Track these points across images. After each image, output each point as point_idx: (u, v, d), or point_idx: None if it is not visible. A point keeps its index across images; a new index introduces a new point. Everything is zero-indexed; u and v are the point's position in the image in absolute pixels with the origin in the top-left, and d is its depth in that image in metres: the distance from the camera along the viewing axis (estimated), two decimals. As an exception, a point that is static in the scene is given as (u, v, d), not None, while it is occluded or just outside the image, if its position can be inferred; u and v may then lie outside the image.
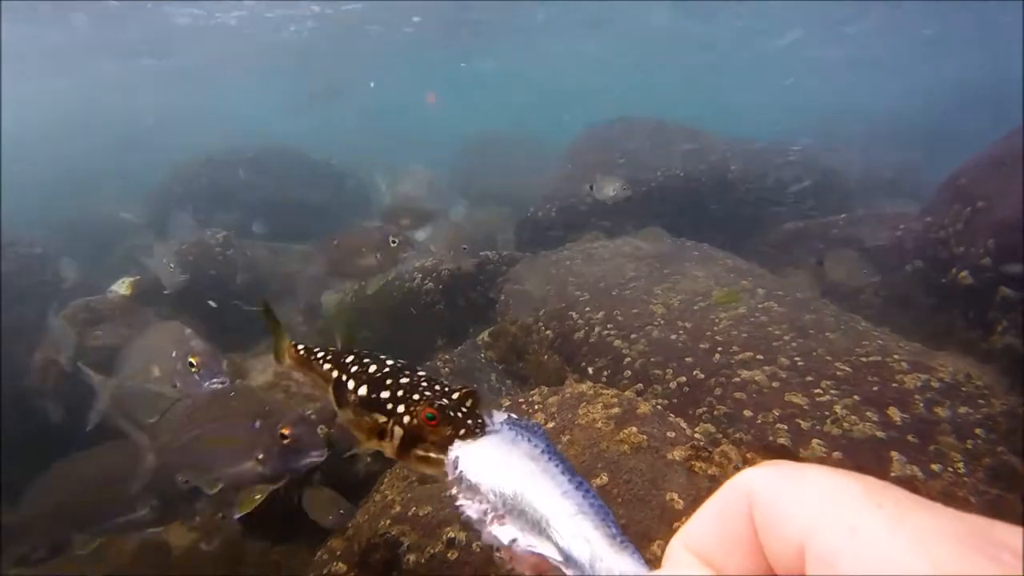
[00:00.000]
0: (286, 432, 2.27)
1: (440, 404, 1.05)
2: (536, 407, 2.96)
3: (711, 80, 32.75)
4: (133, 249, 7.39)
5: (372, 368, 1.31)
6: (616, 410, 2.75)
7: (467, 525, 0.56)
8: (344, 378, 1.35)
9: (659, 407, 3.01)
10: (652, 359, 3.91)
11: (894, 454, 2.91)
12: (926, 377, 3.31)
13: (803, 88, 29.89)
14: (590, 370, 4.15)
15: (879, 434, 3.00)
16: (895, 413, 3.10)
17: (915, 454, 2.91)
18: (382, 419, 1.18)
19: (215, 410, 2.59)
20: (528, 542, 0.52)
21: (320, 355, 1.52)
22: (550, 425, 2.77)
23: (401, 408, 1.16)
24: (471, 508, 0.56)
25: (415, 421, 1.11)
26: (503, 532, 0.54)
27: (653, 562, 0.47)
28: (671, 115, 9.92)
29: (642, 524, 2.22)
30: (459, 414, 1.02)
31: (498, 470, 0.55)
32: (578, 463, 2.52)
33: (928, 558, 0.34)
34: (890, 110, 16.65)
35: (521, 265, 5.98)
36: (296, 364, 1.63)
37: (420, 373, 1.25)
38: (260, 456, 2.30)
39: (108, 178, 15.45)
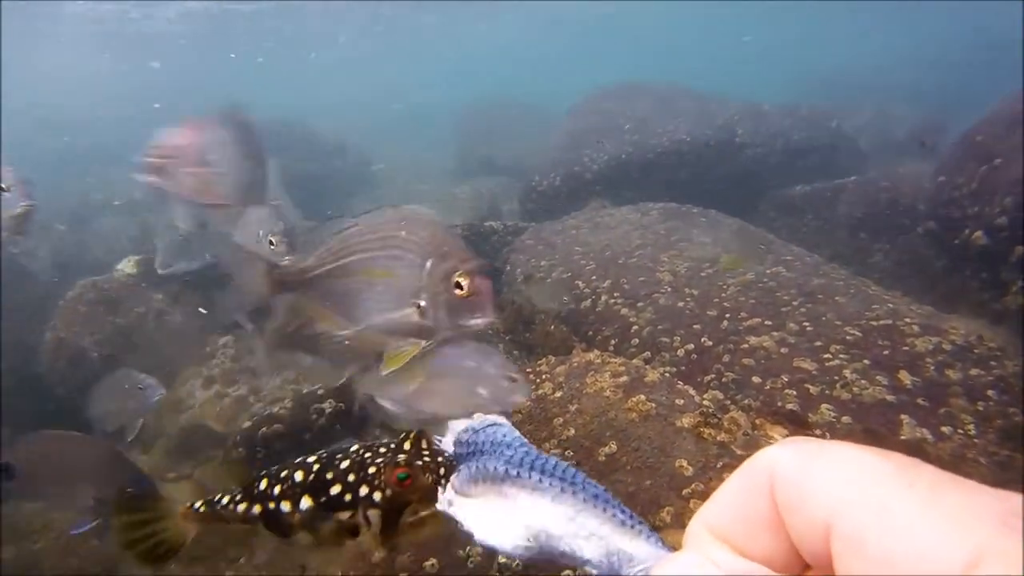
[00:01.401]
0: (462, 282, 1.66)
1: (399, 460, 0.95)
2: (544, 376, 2.96)
3: (712, 39, 32.08)
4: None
5: (297, 475, 1.12)
6: (624, 378, 2.74)
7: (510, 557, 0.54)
8: (273, 506, 1.14)
9: (667, 375, 3.00)
10: (659, 327, 3.89)
11: (904, 417, 2.89)
12: (937, 340, 3.27)
13: (811, 46, 29.19)
14: (597, 339, 4.14)
15: (889, 398, 2.98)
16: (905, 376, 3.08)
17: (925, 417, 2.89)
18: (346, 515, 1.04)
19: (376, 233, 1.80)
20: (549, 549, 0.50)
21: (225, 501, 1.24)
22: (557, 395, 2.77)
23: (364, 490, 1.02)
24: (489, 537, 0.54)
25: (388, 492, 0.98)
26: (527, 551, 0.52)
27: (662, 528, 0.45)
28: (676, 78, 9.69)
29: (651, 491, 2.23)
30: (423, 459, 0.92)
31: (485, 504, 0.53)
32: (587, 432, 2.52)
33: (965, 540, 0.32)
34: (902, 68, 16.23)
35: (527, 235, 5.94)
36: (201, 524, 1.29)
37: (351, 448, 1.08)
38: (422, 303, 1.71)
39: (103, 161, 15.40)
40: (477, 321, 1.70)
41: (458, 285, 1.65)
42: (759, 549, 0.43)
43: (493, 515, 0.52)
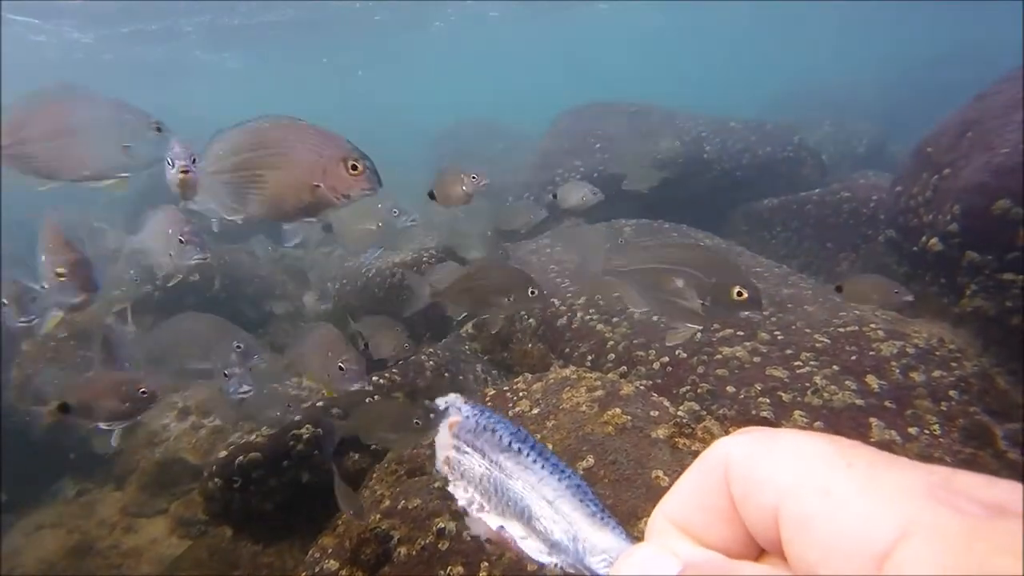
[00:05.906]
0: (356, 164, 1.97)
1: None
2: (521, 394, 2.98)
3: (673, 57, 32.93)
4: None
5: None
6: (600, 392, 2.78)
7: (460, 513, 0.54)
8: None
9: (642, 387, 3.05)
10: (635, 341, 3.94)
11: (873, 420, 2.97)
12: (901, 344, 3.38)
13: (775, 59, 30.16)
14: (574, 356, 4.17)
15: (858, 402, 3.07)
16: (873, 381, 3.17)
17: (893, 419, 2.98)
18: None
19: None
20: (513, 531, 0.51)
21: None
22: (535, 411, 2.79)
23: None
24: (461, 495, 0.54)
25: None
26: (491, 520, 0.53)
27: (639, 539, 0.47)
28: (643, 96, 9.93)
29: (629, 503, 2.26)
30: None
31: (475, 456, 0.53)
32: (563, 447, 2.54)
33: (897, 515, 0.35)
34: (862, 81, 16.84)
35: (503, 254, 5.98)
36: None
37: None
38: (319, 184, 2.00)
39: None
40: (366, 191, 1.97)
41: (353, 167, 1.93)
42: (718, 538, 0.44)
43: (485, 481, 0.52)
